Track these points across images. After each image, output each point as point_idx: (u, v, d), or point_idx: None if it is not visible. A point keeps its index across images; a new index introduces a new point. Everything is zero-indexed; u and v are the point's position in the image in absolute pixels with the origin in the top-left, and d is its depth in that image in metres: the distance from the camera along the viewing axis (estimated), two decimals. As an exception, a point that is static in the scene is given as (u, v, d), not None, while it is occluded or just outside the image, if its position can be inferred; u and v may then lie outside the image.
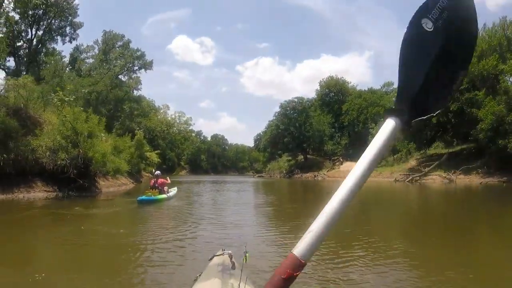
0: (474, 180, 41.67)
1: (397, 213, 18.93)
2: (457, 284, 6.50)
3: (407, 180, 46.47)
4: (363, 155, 1.31)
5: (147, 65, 70.18)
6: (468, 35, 1.30)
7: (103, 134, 27.86)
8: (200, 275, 3.51)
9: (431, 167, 47.52)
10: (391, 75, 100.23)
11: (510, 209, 20.22)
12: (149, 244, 9.78)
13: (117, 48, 68.33)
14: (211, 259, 3.85)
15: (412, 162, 56.70)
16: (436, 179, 44.93)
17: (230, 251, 3.69)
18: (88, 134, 24.14)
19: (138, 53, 69.20)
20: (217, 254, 3.87)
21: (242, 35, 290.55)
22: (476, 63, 43.09)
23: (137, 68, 70.29)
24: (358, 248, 9.10)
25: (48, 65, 57.06)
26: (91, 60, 68.58)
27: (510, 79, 42.71)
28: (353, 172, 1.29)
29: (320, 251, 7.85)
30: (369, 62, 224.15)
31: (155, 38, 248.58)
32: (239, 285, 2.77)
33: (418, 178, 46.61)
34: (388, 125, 1.32)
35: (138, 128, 68.96)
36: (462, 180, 42.46)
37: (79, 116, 24.41)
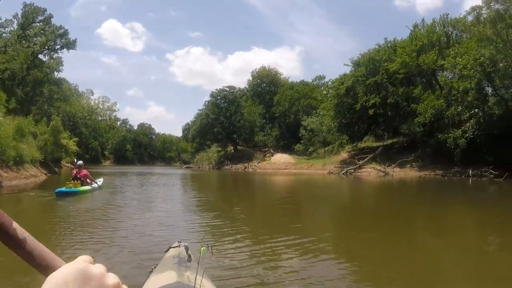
0: (409, 173, 41.91)
1: (331, 207, 17.95)
2: (390, 278, 6.62)
3: (341, 172, 45.67)
4: None
5: (70, 45, 64.82)
6: None
7: (1, 114, 23.12)
8: (155, 267, 3.45)
9: (366, 159, 46.95)
10: (320, 70, 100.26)
11: (445, 200, 20.67)
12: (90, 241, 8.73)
13: (38, 24, 62.91)
14: (166, 251, 3.83)
15: (344, 155, 56.19)
16: (371, 172, 44.54)
17: (186, 244, 3.66)
18: None
19: (61, 31, 63.93)
20: (173, 246, 3.86)
21: (174, 23, 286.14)
22: (415, 57, 43.11)
23: (59, 47, 64.73)
24: (283, 246, 8.51)
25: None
26: (9, 36, 62.51)
27: (449, 75, 42.42)
28: None
29: (249, 253, 7.85)
30: (299, 57, 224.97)
31: (84, 21, 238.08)
32: (195, 278, 2.69)
33: (352, 170, 45.87)
34: None
35: (56, 113, 64.61)
36: (397, 173, 42.41)
37: None
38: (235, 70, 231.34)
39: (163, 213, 13.59)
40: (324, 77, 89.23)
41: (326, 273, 6.50)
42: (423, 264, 7.27)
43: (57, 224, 10.98)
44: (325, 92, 78.25)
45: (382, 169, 43.79)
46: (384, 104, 45.61)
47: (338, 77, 62.21)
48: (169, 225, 11.08)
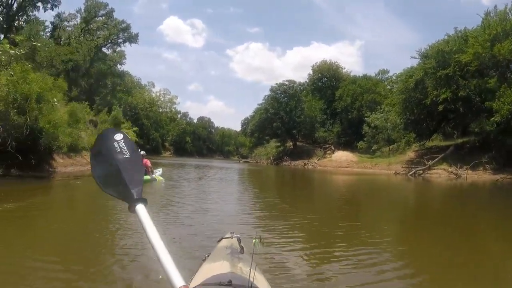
0: (483, 176, 38.31)
1: (398, 210, 16.65)
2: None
3: (409, 173, 42.43)
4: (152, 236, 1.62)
5: (132, 39, 65.85)
6: None
7: (56, 99, 21.90)
8: (208, 256, 3.46)
9: (435, 160, 43.32)
10: (382, 65, 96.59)
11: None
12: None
13: (100, 18, 63.91)
14: (219, 241, 3.88)
15: (411, 154, 52.75)
16: (441, 174, 41.05)
17: (238, 235, 3.66)
18: (36, 98, 18.98)
19: (123, 25, 64.89)
20: (226, 236, 3.88)
21: (233, 19, 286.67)
22: (489, 47, 39.37)
23: (121, 41, 66.22)
24: (341, 246, 8.42)
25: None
26: (72, 30, 63.86)
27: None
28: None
29: (301, 252, 7.63)
30: (360, 51, 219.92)
31: (146, 18, 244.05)
32: (249, 270, 2.55)
33: (421, 171, 42.58)
34: (143, 211, 1.71)
35: (119, 104, 65.09)
36: (469, 176, 38.86)
37: (28, 75, 19.29)
38: (294, 66, 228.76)
39: (217, 206, 14.11)
40: (387, 71, 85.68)
41: (383, 276, 6.31)
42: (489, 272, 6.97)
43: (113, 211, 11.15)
44: (389, 87, 75.24)
45: (454, 171, 40.36)
46: (455, 99, 41.94)
47: (403, 70, 59.19)
48: (223, 218, 11.25)
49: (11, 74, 19.10)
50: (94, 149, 1.94)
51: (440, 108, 42.28)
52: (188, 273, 3.18)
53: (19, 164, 18.29)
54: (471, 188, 30.64)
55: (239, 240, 3.51)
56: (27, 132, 18.13)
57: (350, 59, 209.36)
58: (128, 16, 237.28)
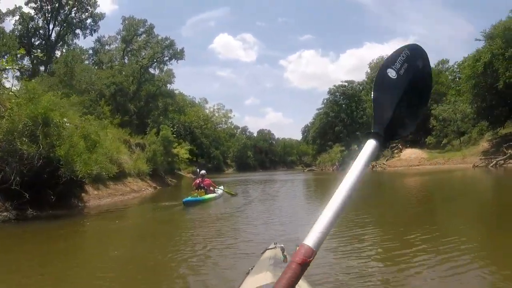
0: None
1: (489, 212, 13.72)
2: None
3: (490, 165, 39.05)
4: (350, 170, 1.42)
5: (178, 55, 64.13)
6: (425, 80, 1.59)
7: (66, 120, 17.45)
8: (252, 269, 3.43)
9: (518, 147, 39.65)
10: (439, 58, 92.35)
11: None
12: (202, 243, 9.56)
13: (141, 36, 63.02)
14: (263, 252, 3.86)
15: (485, 144, 49.22)
16: (526, 162, 37.40)
17: (282, 245, 3.55)
18: (43, 120, 15.35)
19: (167, 42, 63.41)
20: (269, 247, 3.86)
21: (283, 29, 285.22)
22: None
23: (167, 58, 64.47)
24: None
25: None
26: (113, 53, 63.49)
27: None
28: (345, 181, 1.38)
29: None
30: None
31: (196, 39, 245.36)
32: None
33: (502, 162, 39.04)
34: (370, 145, 1.49)
35: (171, 124, 64.62)
36: None
37: (35, 94, 16.08)
38: (348, 69, 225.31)
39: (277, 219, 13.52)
40: (448, 61, 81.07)
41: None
42: None
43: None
44: (450, 77, 72.07)
45: (540, 158, 36.73)
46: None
47: (463, 58, 57.80)
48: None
49: (15, 95, 17.20)
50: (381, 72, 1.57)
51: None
52: (232, 284, 3.76)
53: (35, 202, 14.95)
54: None
55: (282, 250, 3.46)
56: (39, 164, 14.79)
57: None
58: (177, 40, 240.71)
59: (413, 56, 1.55)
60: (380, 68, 1.56)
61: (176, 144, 48.53)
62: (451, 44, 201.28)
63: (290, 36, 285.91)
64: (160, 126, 47.76)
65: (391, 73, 1.52)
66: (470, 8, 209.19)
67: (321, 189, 30.07)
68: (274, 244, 3.85)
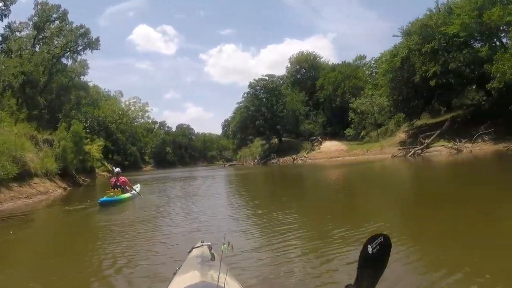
0: (485, 148, 36.90)
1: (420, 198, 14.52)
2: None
3: (408, 154, 40.70)
4: None
5: (93, 44, 60.57)
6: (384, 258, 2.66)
7: None
8: (179, 268, 3.49)
9: (433, 137, 41.50)
10: (356, 55, 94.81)
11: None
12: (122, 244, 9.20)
13: (54, 22, 58.72)
14: (190, 251, 3.97)
15: (401, 135, 51.35)
16: (442, 151, 39.31)
17: (209, 243, 3.83)
18: None
19: (82, 30, 59.57)
20: (196, 246, 4.01)
21: (204, 22, 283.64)
22: (476, 16, 38.40)
23: (81, 48, 60.64)
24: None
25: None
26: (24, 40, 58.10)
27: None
28: None
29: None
30: (333, 44, 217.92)
31: (114, 30, 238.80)
32: (218, 276, 2.73)
33: (420, 151, 40.65)
34: None
35: (84, 119, 61.96)
36: (470, 148, 37.45)
37: None
38: (269, 64, 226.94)
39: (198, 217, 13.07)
40: (365, 57, 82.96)
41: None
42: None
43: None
44: (367, 72, 74.23)
45: (454, 146, 38.66)
46: (445, 72, 40.42)
47: (380, 54, 60.07)
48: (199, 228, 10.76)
49: None
50: None
51: (432, 83, 40.72)
52: (160, 285, 3.87)
53: None
54: (483, 161, 29.65)
55: (209, 248, 3.64)
56: None
57: (325, 52, 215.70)
58: (94, 30, 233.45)
59: (386, 240, 2.53)
60: (364, 244, 2.52)
61: (88, 140, 45.94)
62: (367, 40, 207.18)
63: (211, 29, 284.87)
64: (72, 121, 45.23)
65: (369, 249, 2.43)
66: (384, 7, 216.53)
67: (243, 185, 29.63)
68: (201, 242, 3.99)
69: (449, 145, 39.31)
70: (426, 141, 41.25)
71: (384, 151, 47.55)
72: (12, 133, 25.53)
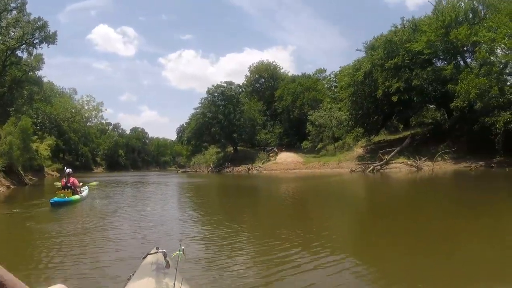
0: (445, 166, 36.97)
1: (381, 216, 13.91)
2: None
3: (368, 170, 39.78)
4: None
5: (50, 38, 57.53)
6: None
7: None
8: (133, 274, 3.48)
9: (392, 154, 40.77)
10: (315, 69, 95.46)
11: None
12: (74, 245, 9.26)
13: (11, 12, 55.32)
14: (144, 257, 3.91)
15: (359, 150, 50.63)
16: (401, 168, 38.68)
17: (164, 250, 3.72)
18: None
19: (40, 23, 56.49)
20: (151, 252, 3.92)
21: (165, 26, 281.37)
22: (443, 35, 38.65)
23: (37, 41, 57.39)
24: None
25: None
26: None
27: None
28: None
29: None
30: (292, 56, 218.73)
31: (74, 27, 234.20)
32: (174, 285, 2.79)
33: (379, 167, 39.93)
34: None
35: (36, 115, 58.60)
36: (430, 167, 37.18)
37: None
38: (228, 72, 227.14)
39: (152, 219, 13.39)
40: (325, 70, 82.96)
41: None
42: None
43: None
44: (327, 85, 73.68)
45: (414, 164, 38.09)
46: (408, 89, 39.98)
47: (340, 68, 60.08)
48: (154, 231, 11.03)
49: None
50: None
51: (394, 98, 40.31)
52: None
53: None
54: (443, 180, 29.41)
55: (164, 255, 3.55)
56: None
57: (284, 64, 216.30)
58: (53, 25, 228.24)
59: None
60: None
61: (37, 138, 43.82)
62: (326, 56, 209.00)
63: (172, 34, 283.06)
64: (21, 117, 42.62)
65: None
66: (345, 23, 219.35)
67: (197, 195, 28.03)
68: (156, 248, 3.89)
69: (409, 162, 38.77)
70: (386, 157, 40.51)
71: (342, 165, 46.71)
72: None
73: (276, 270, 6.72)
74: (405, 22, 45.96)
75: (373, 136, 51.61)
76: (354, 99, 47.48)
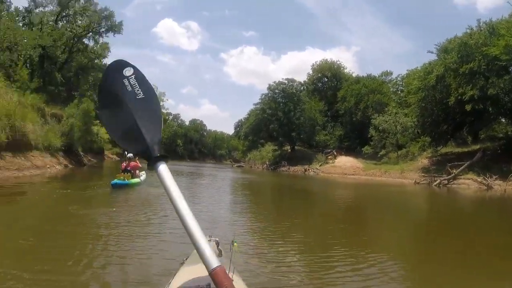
0: None
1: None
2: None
3: (434, 183, 36.78)
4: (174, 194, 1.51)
5: (116, 28, 59.33)
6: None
7: None
8: (186, 259, 3.34)
9: (462, 168, 37.48)
10: (379, 71, 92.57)
11: None
12: (130, 229, 9.56)
13: (80, 1, 57.23)
14: None
15: (424, 161, 47.25)
16: (470, 184, 35.51)
17: (217, 239, 3.64)
18: None
19: (106, 13, 58.26)
20: None
21: (229, 22, 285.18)
22: None
23: (103, 30, 59.44)
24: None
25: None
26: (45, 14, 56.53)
27: None
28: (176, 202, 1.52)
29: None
30: (355, 57, 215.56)
31: (140, 21, 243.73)
32: (227, 273, 2.09)
33: (446, 181, 36.88)
34: (164, 168, 1.54)
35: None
36: (502, 187, 33.20)
37: None
38: (288, 70, 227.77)
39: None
40: (391, 73, 79.52)
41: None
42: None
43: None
44: (392, 89, 71.02)
45: (484, 181, 34.81)
46: (483, 98, 36.65)
47: (407, 71, 58.52)
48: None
49: None
50: (102, 88, 1.70)
51: (468, 107, 36.79)
52: (167, 276, 3.62)
53: None
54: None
55: (217, 244, 3.49)
56: None
57: (347, 65, 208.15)
58: (121, 19, 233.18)
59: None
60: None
61: (99, 121, 44.61)
62: (390, 58, 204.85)
63: (235, 30, 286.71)
64: (83, 99, 43.80)
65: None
66: (410, 26, 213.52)
67: (252, 191, 26.99)
68: (209, 236, 3.61)
69: (479, 179, 35.47)
70: (454, 171, 37.37)
71: (404, 175, 43.93)
72: (12, 100, 24.41)
73: (325, 274, 6.78)
74: (481, 24, 42.46)
75: (441, 147, 47.95)
76: (424, 105, 44.09)
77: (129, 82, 1.62)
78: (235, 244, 3.21)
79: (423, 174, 41.26)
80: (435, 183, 36.70)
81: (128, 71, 1.66)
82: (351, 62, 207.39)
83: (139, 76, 1.67)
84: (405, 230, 13.14)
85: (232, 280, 1.69)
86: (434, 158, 46.49)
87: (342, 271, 6.96)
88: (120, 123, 1.58)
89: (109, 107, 1.62)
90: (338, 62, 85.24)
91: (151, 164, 1.52)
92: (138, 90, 1.62)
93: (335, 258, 7.78)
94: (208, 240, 3.27)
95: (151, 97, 1.64)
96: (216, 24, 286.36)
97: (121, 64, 1.68)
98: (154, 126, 1.57)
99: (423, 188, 35.72)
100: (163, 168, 1.50)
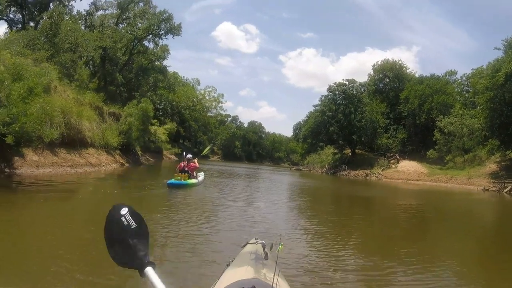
0: None
1: None
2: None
3: (505, 190, 34.61)
4: None
5: (175, 30, 60.13)
6: None
7: None
8: (232, 261, 3.45)
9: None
10: (441, 71, 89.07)
11: None
12: (181, 230, 9.86)
13: (138, 4, 58.91)
14: (244, 246, 3.90)
15: (492, 166, 44.61)
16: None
17: (263, 241, 3.70)
18: None
19: (165, 15, 59.33)
20: (250, 242, 3.92)
21: (286, 24, 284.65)
22: None
23: (163, 32, 60.51)
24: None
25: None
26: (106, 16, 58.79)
27: None
28: None
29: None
30: (417, 57, 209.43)
31: (199, 25, 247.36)
32: (273, 277, 2.63)
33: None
34: (152, 271, 1.94)
35: (159, 101, 65.06)
36: None
37: None
38: (348, 72, 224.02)
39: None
40: (455, 72, 76.47)
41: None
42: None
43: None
44: (457, 90, 68.23)
45: None
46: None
47: (472, 70, 57.10)
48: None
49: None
50: (106, 228, 2.09)
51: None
52: (212, 277, 3.61)
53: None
54: None
55: (263, 246, 3.52)
56: None
57: (408, 65, 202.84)
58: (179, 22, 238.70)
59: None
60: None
61: (158, 122, 45.18)
62: (453, 58, 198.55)
63: (293, 32, 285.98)
64: (142, 99, 44.74)
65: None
66: (473, 25, 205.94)
67: (311, 197, 25.97)
68: (256, 239, 3.82)
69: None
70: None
71: (472, 181, 41.73)
72: (69, 98, 24.87)
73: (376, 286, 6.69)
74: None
75: (510, 150, 44.66)
76: (492, 105, 41.53)
77: (125, 218, 2.02)
78: (280, 247, 3.19)
79: (492, 180, 39.05)
80: (505, 190, 34.44)
81: (123, 211, 2.06)
82: (412, 62, 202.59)
83: (131, 211, 2.06)
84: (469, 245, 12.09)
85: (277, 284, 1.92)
86: (503, 163, 43.87)
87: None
88: (119, 248, 1.99)
89: (113, 247, 2.02)
90: (400, 62, 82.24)
91: (140, 271, 1.91)
92: (132, 222, 2.02)
93: (387, 275, 7.41)
94: (255, 243, 3.66)
95: (140, 224, 2.04)
96: (274, 26, 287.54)
97: (118, 207, 2.09)
98: (143, 244, 1.99)
99: (492, 195, 33.72)
100: (151, 272, 1.89)
